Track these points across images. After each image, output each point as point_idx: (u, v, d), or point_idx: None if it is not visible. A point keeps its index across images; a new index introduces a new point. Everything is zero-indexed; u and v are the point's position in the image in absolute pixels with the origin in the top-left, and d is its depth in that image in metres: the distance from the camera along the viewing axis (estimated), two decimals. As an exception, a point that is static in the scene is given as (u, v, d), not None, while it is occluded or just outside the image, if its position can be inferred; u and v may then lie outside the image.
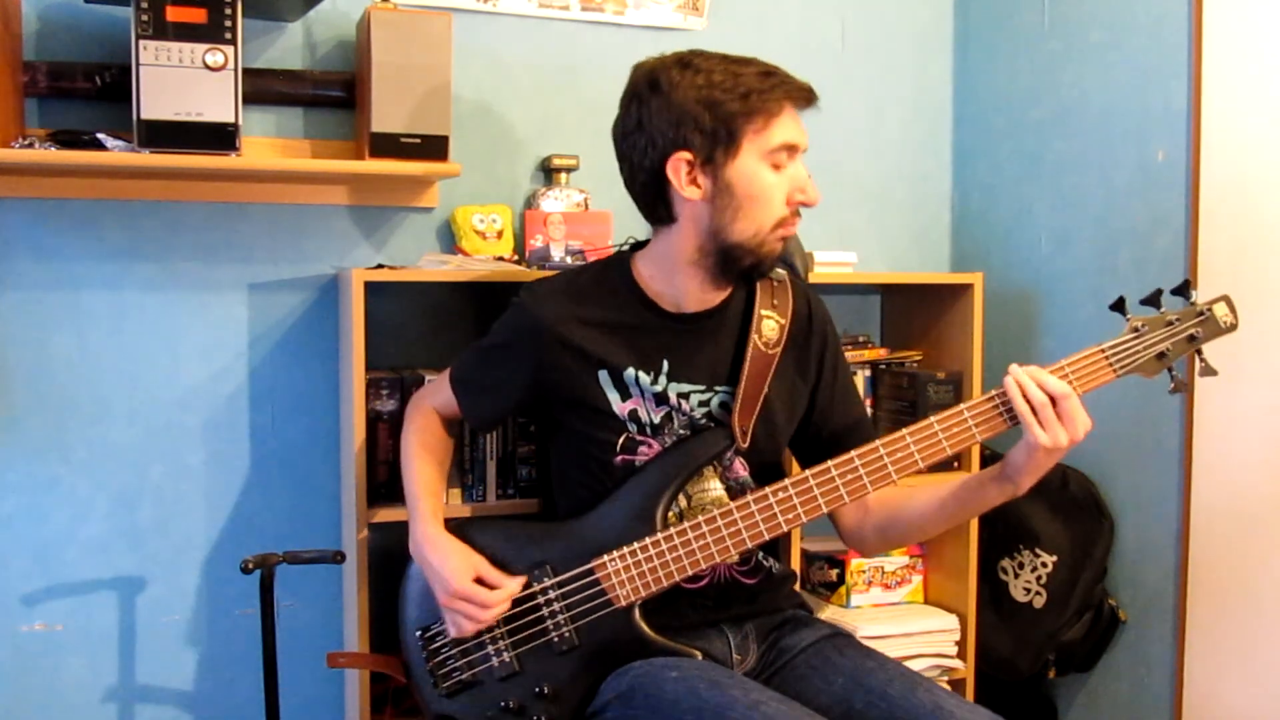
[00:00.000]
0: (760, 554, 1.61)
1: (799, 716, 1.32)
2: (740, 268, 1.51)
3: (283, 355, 2.16)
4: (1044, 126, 2.38)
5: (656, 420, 1.55)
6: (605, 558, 1.50)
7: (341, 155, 2.13)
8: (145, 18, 1.79)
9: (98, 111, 2.00)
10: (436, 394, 1.74)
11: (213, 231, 2.12)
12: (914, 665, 2.15)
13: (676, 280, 1.55)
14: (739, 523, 1.47)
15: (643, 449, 1.55)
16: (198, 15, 1.82)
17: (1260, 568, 1.94)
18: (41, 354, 2.03)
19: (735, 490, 1.58)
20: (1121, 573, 2.22)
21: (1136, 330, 1.45)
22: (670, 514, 1.53)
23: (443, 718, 1.55)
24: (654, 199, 1.51)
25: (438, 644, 1.57)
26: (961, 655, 2.25)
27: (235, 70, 1.84)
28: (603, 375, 1.55)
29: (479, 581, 1.51)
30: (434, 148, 2.00)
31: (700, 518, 1.48)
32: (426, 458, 1.68)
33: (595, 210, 2.27)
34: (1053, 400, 1.38)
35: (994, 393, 1.43)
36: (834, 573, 2.31)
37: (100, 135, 1.90)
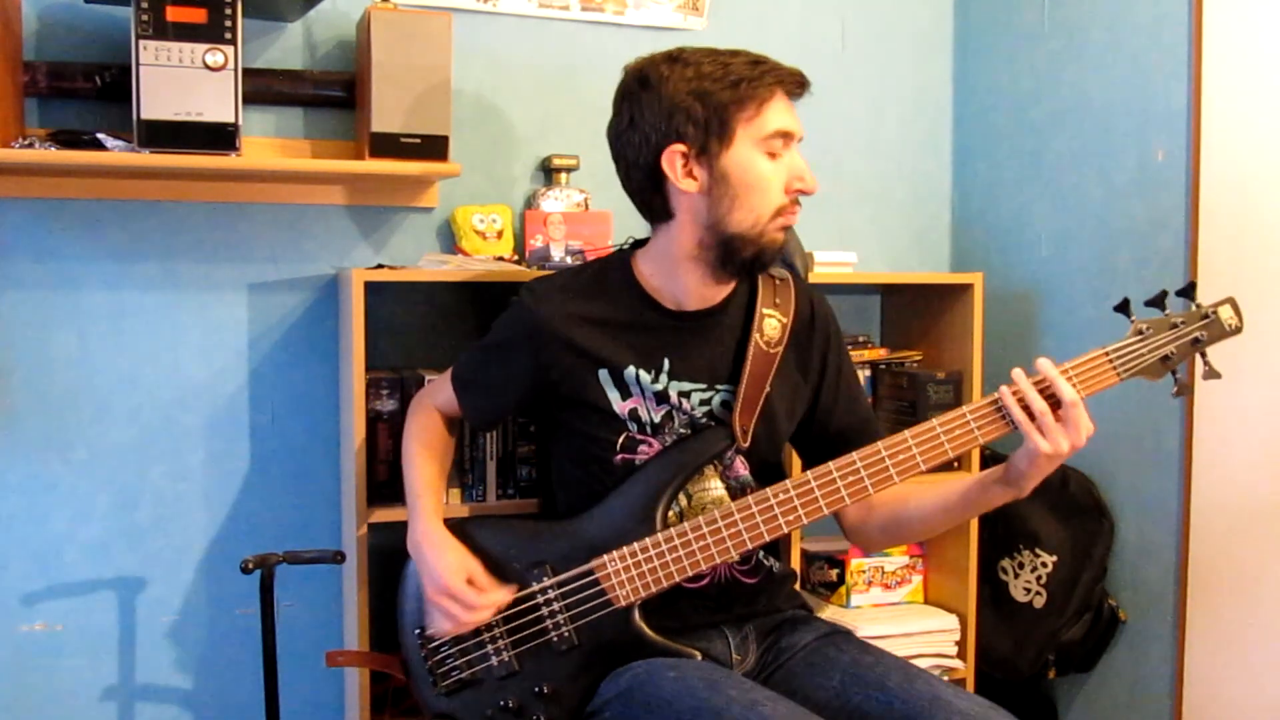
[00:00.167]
0: (760, 554, 1.60)
1: (797, 717, 1.32)
2: (741, 259, 1.50)
3: (283, 355, 2.16)
4: (1044, 126, 2.38)
5: (657, 419, 1.55)
6: (605, 558, 1.50)
7: (341, 155, 2.13)
8: (145, 18, 1.79)
9: (98, 111, 2.00)
10: (438, 393, 1.73)
11: (213, 231, 2.12)
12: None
13: (677, 277, 1.54)
14: (739, 524, 1.47)
15: (643, 448, 1.55)
16: (198, 15, 1.82)
17: (1260, 568, 1.94)
18: (41, 354, 2.03)
19: (736, 489, 1.58)
20: (1121, 573, 2.22)
21: (1141, 333, 1.45)
22: (671, 513, 1.53)
23: (442, 716, 1.55)
24: (651, 196, 1.51)
25: (437, 642, 1.57)
26: (961, 655, 2.25)
27: (235, 70, 1.84)
28: (603, 374, 1.54)
29: (470, 583, 1.50)
30: (434, 148, 2.00)
31: (700, 518, 1.48)
32: (427, 456, 1.68)
33: (595, 210, 2.27)
34: (1055, 405, 1.38)
35: (996, 395, 1.43)
36: (834, 573, 2.31)
37: (100, 135, 1.90)
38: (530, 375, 1.58)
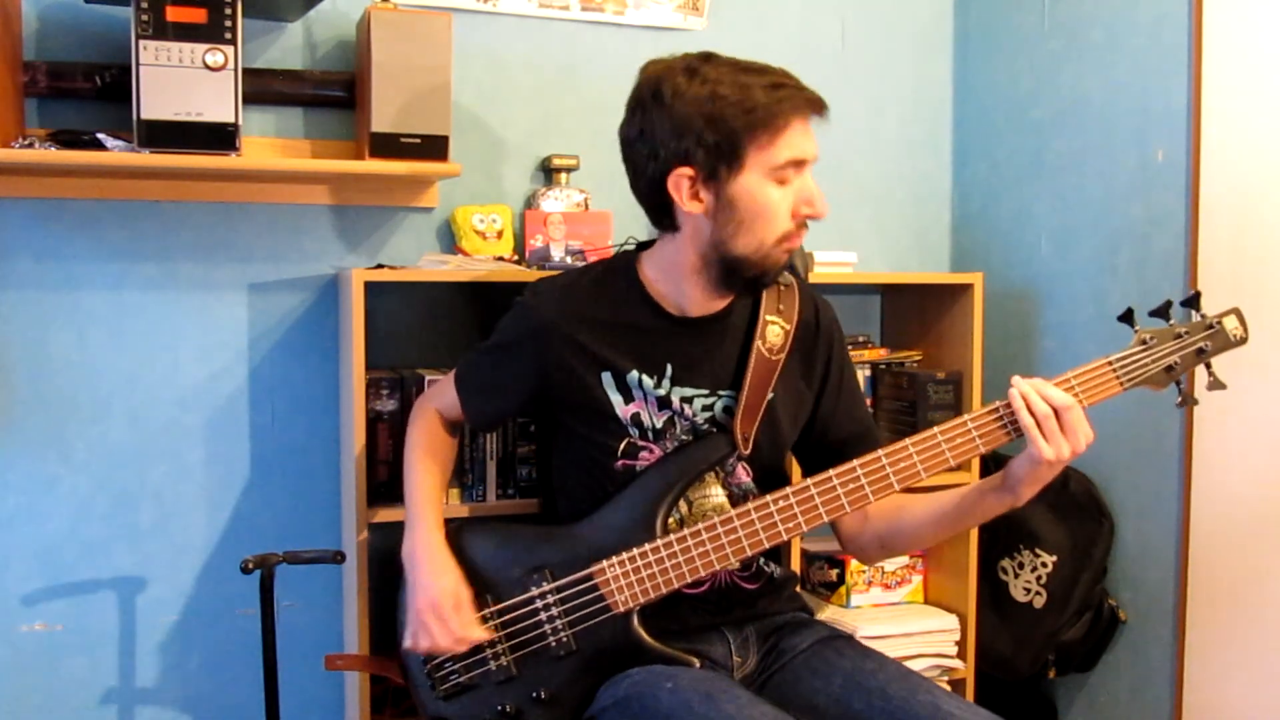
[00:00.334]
0: (761, 559, 1.60)
1: None
2: (743, 279, 1.49)
3: (283, 355, 2.16)
4: (1044, 126, 2.38)
5: (659, 425, 1.54)
6: (604, 563, 1.49)
7: (341, 155, 2.13)
8: (145, 18, 1.79)
9: (98, 111, 2.00)
10: (440, 396, 1.72)
11: (213, 231, 2.12)
12: (914, 665, 2.15)
13: (680, 286, 1.53)
14: (739, 530, 1.46)
15: (644, 454, 1.54)
16: (198, 15, 1.81)
17: (1260, 568, 1.94)
18: (41, 354, 2.03)
19: (737, 496, 1.57)
20: (1121, 573, 2.22)
21: (1145, 343, 1.44)
22: (671, 520, 1.52)
23: (439, 719, 1.55)
24: (656, 207, 1.49)
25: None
26: (961, 655, 2.25)
27: (235, 70, 1.84)
28: (605, 377, 1.53)
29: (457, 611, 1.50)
30: (434, 148, 2.00)
31: (700, 525, 1.47)
32: (429, 464, 1.67)
33: (595, 210, 2.27)
34: (1055, 412, 1.38)
35: (997, 404, 1.42)
36: (834, 573, 2.31)
37: (100, 135, 1.90)
38: (533, 377, 1.57)
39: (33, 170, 1.96)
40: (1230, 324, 1.44)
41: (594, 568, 1.49)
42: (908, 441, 1.43)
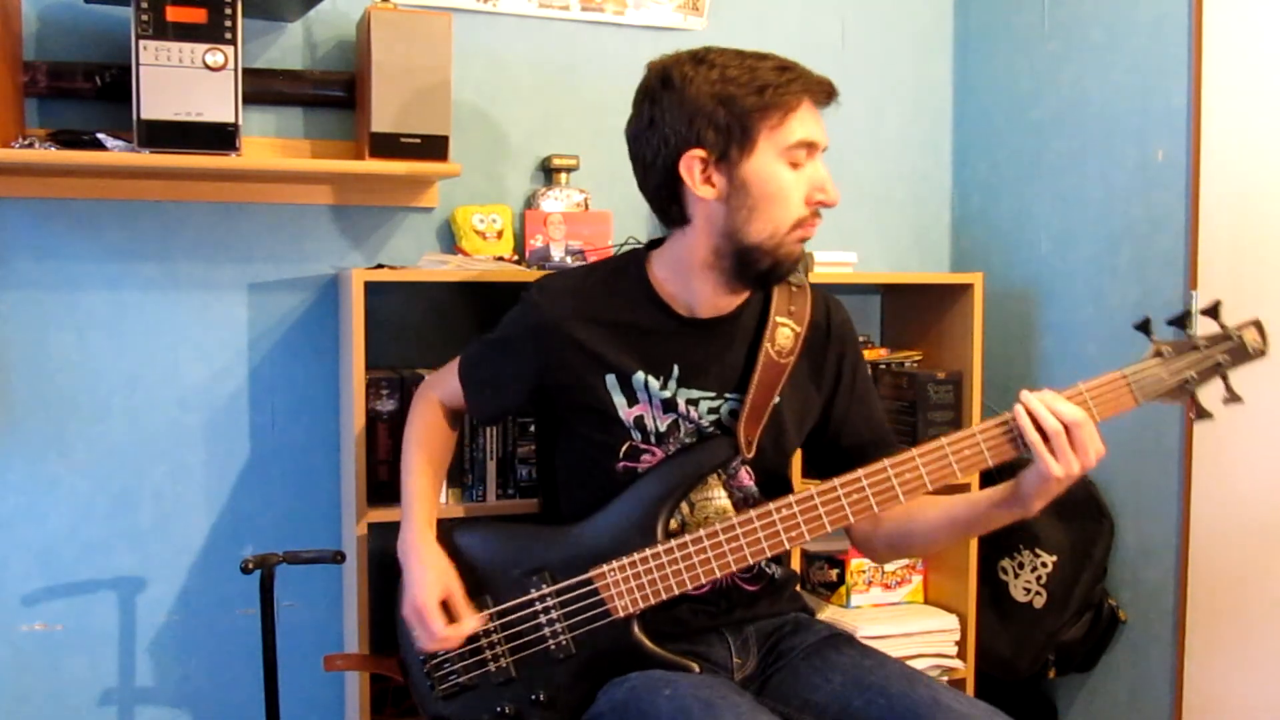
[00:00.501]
0: (762, 562, 1.59)
1: None
2: (757, 270, 1.47)
3: (283, 355, 2.16)
4: (1044, 126, 2.38)
5: (663, 428, 1.52)
6: (605, 567, 1.47)
7: (341, 155, 2.13)
8: (145, 18, 1.79)
9: (98, 111, 2.00)
10: (443, 384, 1.70)
11: (213, 231, 2.12)
12: (914, 665, 2.14)
13: (691, 284, 1.51)
14: (740, 538, 1.44)
15: (645, 457, 1.52)
16: (198, 15, 1.82)
17: (1260, 568, 1.94)
18: (41, 354, 2.03)
19: (740, 500, 1.55)
20: (1121, 573, 2.22)
21: (1161, 355, 1.40)
22: (673, 523, 1.51)
23: (438, 719, 1.55)
24: (667, 200, 1.48)
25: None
26: (961, 655, 2.25)
27: (235, 70, 1.84)
28: (610, 378, 1.51)
29: (445, 604, 1.49)
30: (434, 148, 2.00)
31: (702, 531, 1.45)
32: (427, 457, 1.66)
33: (595, 210, 2.27)
34: (1066, 428, 1.35)
35: (1007, 416, 1.39)
36: (834, 573, 2.31)
37: (100, 135, 1.90)
38: (536, 375, 1.56)
39: (33, 170, 1.96)
40: (1250, 337, 1.39)
41: (594, 572, 1.48)
42: (914, 452, 1.40)
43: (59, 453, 2.05)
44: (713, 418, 1.53)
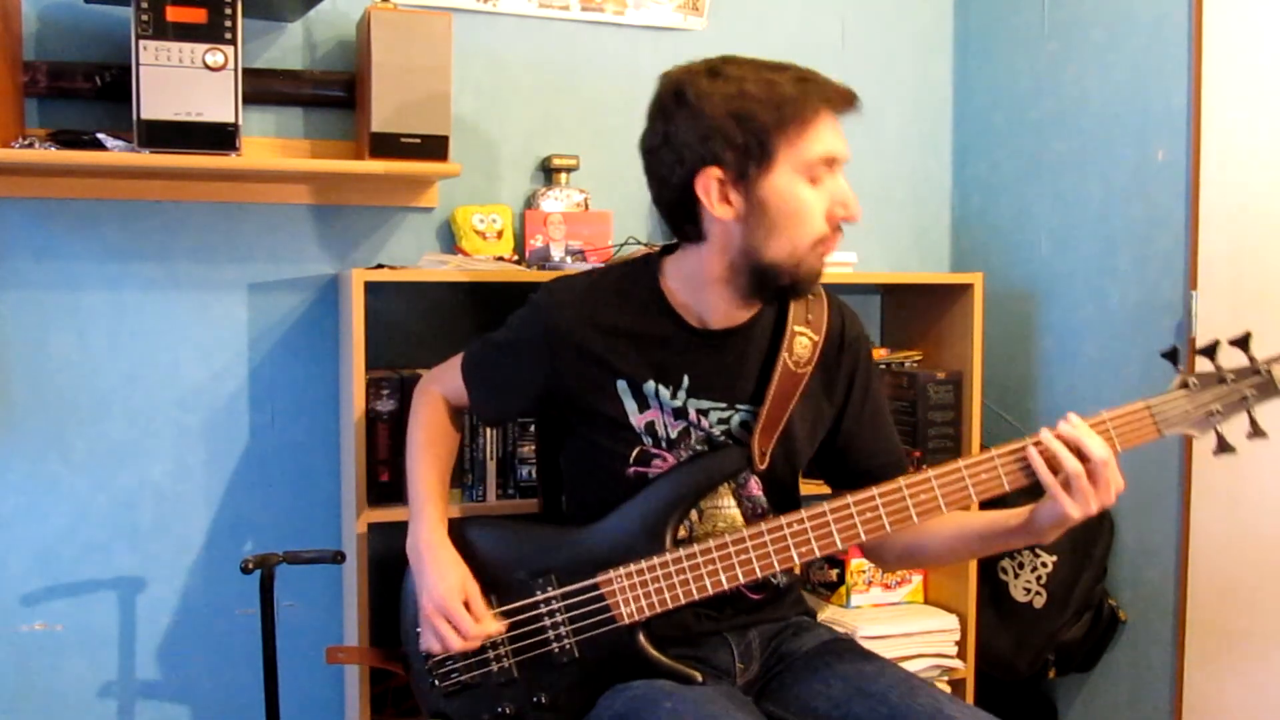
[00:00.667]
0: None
1: None
2: (776, 287, 1.43)
3: (283, 355, 2.16)
4: (1044, 126, 2.38)
5: (674, 435, 1.50)
6: (611, 574, 1.46)
7: (341, 155, 2.13)
8: (145, 18, 1.79)
9: (98, 111, 2.00)
10: (446, 380, 1.67)
11: (213, 231, 2.12)
12: (914, 665, 2.15)
13: (704, 297, 1.48)
14: (750, 551, 1.42)
15: (656, 462, 1.50)
16: (198, 15, 1.82)
17: (1260, 568, 1.94)
18: (41, 354, 2.03)
19: (748, 509, 1.54)
20: (1121, 573, 2.22)
21: (1187, 386, 1.36)
22: (680, 529, 1.49)
23: (439, 716, 1.55)
24: (683, 218, 1.43)
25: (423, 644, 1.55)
26: (961, 655, 2.25)
27: (235, 70, 1.84)
28: (620, 386, 1.49)
29: (466, 606, 1.47)
30: (434, 148, 2.00)
31: (711, 542, 1.44)
32: (433, 454, 1.63)
33: (595, 210, 2.27)
34: (1087, 467, 1.32)
35: (1027, 444, 1.36)
36: (834, 573, 2.31)
37: (100, 135, 1.91)
38: (543, 380, 1.53)
39: (33, 170, 1.96)
40: (1279, 372, 1.36)
41: (600, 577, 1.46)
42: (931, 474, 1.38)
43: (59, 453, 2.05)
44: (723, 428, 1.50)
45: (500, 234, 2.20)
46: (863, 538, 1.41)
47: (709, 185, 1.37)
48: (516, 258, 2.20)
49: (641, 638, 1.47)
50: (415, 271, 2.00)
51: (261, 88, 2.07)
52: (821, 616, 1.84)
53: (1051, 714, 2.37)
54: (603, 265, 1.72)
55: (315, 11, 2.11)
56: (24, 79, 1.94)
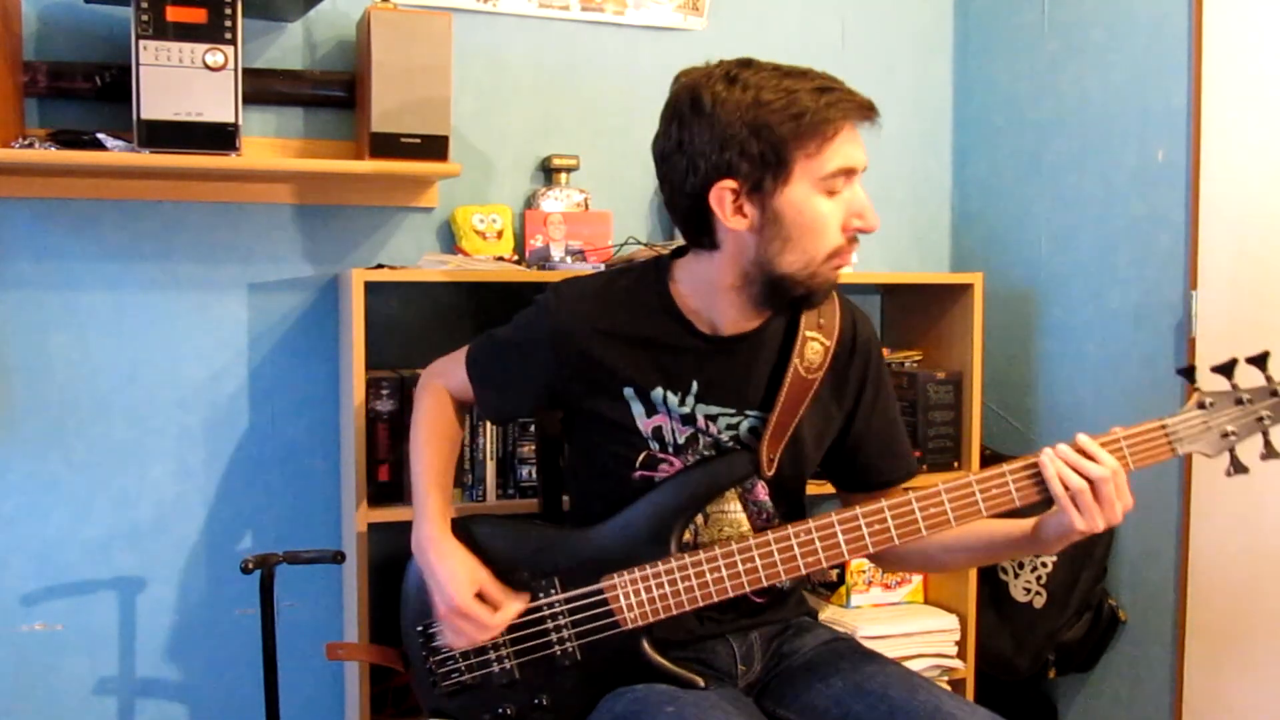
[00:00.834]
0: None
1: None
2: (789, 297, 1.42)
3: (283, 355, 2.16)
4: (1044, 126, 2.38)
5: (681, 440, 1.48)
6: (615, 578, 1.45)
7: (341, 155, 2.13)
8: (145, 18, 1.79)
9: (98, 111, 2.00)
10: (450, 374, 1.65)
11: (213, 231, 2.12)
12: (914, 665, 2.15)
13: (715, 304, 1.46)
14: (756, 560, 1.41)
15: (663, 466, 1.49)
16: (198, 15, 1.82)
17: (1260, 568, 1.94)
18: (41, 354, 2.03)
19: (754, 514, 1.53)
20: (1121, 573, 2.22)
21: (1203, 406, 1.35)
22: (686, 533, 1.49)
23: (439, 715, 1.55)
24: (696, 227, 1.41)
25: (438, 641, 1.55)
26: (961, 655, 2.25)
27: (235, 70, 1.84)
28: (628, 392, 1.48)
29: (480, 596, 1.45)
30: (434, 148, 2.00)
31: (717, 549, 1.43)
32: (437, 448, 1.60)
33: (595, 210, 2.27)
34: (1092, 484, 1.32)
35: (1040, 457, 1.35)
36: (834, 572, 2.31)
37: (100, 135, 1.91)
38: (548, 383, 1.52)
39: (33, 170, 1.96)
40: None
41: (604, 582, 1.45)
42: (941, 486, 1.37)
43: (59, 453, 2.05)
44: (731, 434, 1.49)
45: (500, 234, 2.20)
46: (870, 549, 1.40)
47: (723, 197, 1.35)
48: (516, 258, 2.20)
49: (644, 642, 1.46)
50: (415, 271, 2.00)
51: (261, 88, 2.07)
52: (822, 616, 1.83)
53: (1051, 714, 2.37)
54: (611, 268, 1.69)
55: (315, 11, 2.11)
56: (24, 79, 1.94)
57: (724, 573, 1.42)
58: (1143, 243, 2.14)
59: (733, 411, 1.49)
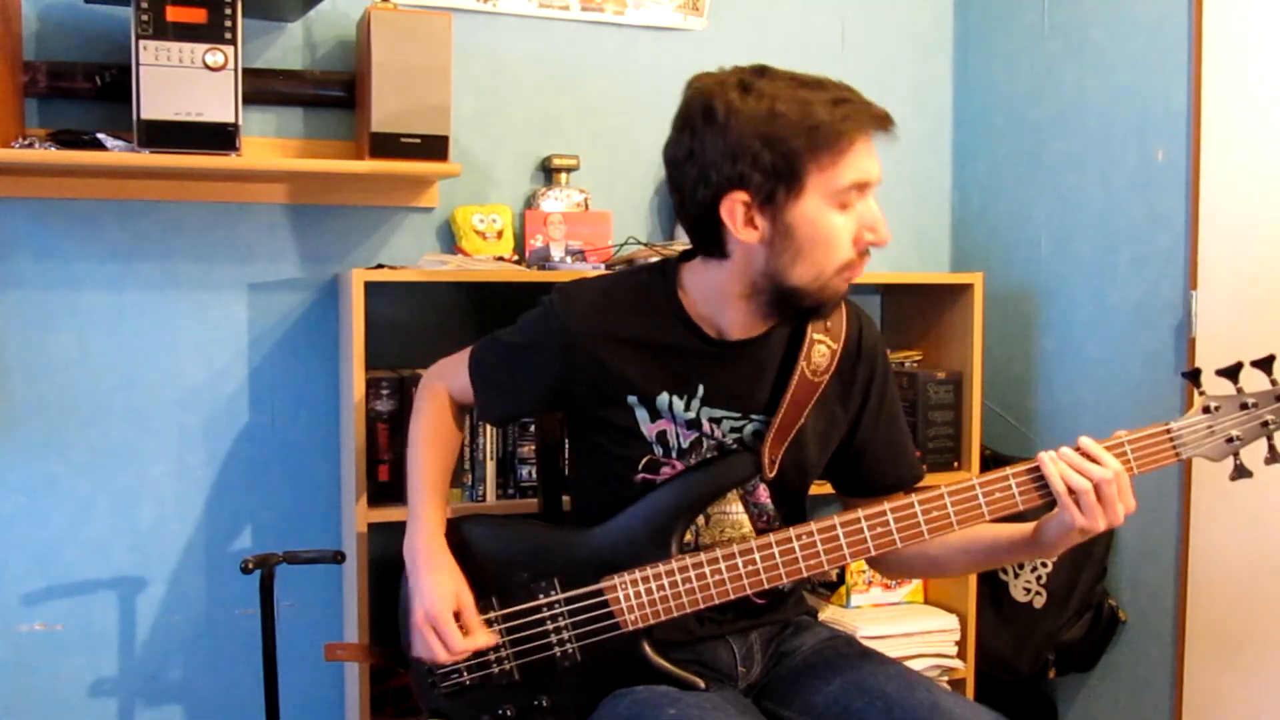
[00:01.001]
0: None
1: None
2: (798, 309, 1.40)
3: (283, 355, 2.16)
4: (1044, 126, 2.38)
5: (685, 444, 1.48)
6: (616, 579, 1.44)
7: (341, 155, 2.13)
8: (145, 18, 1.79)
9: (98, 111, 2.00)
10: (451, 376, 1.64)
11: (213, 231, 2.12)
12: (914, 665, 2.15)
13: (723, 311, 1.44)
14: (758, 563, 1.41)
15: (665, 469, 1.49)
16: (198, 15, 1.82)
17: (1260, 568, 1.94)
18: (41, 354, 2.04)
19: (756, 516, 1.53)
20: (1121, 573, 2.22)
21: (1208, 410, 1.35)
22: (687, 534, 1.49)
23: (438, 715, 1.55)
24: (706, 237, 1.40)
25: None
26: (961, 655, 2.25)
27: (235, 70, 1.84)
28: (633, 398, 1.47)
29: (457, 616, 1.44)
30: (434, 148, 2.00)
31: (719, 551, 1.42)
32: (435, 453, 1.60)
33: (595, 210, 2.27)
34: (1095, 485, 1.31)
35: (1042, 459, 1.35)
36: (834, 572, 2.31)
37: (100, 135, 1.91)
38: (551, 386, 1.51)
39: (33, 170, 1.96)
40: None
41: (605, 583, 1.45)
42: (944, 490, 1.37)
43: (59, 453, 2.05)
44: (735, 436, 1.49)
45: (500, 234, 2.20)
46: (873, 552, 1.40)
47: (734, 209, 1.33)
48: (516, 258, 2.20)
49: (645, 644, 1.46)
50: (415, 271, 2.00)
51: (261, 88, 2.07)
52: (822, 616, 1.84)
53: (1051, 714, 2.37)
54: (618, 270, 1.67)
55: (315, 11, 2.11)
56: (24, 79, 1.94)
57: (725, 574, 1.42)
58: (1143, 243, 2.14)
59: (738, 415, 1.48)
